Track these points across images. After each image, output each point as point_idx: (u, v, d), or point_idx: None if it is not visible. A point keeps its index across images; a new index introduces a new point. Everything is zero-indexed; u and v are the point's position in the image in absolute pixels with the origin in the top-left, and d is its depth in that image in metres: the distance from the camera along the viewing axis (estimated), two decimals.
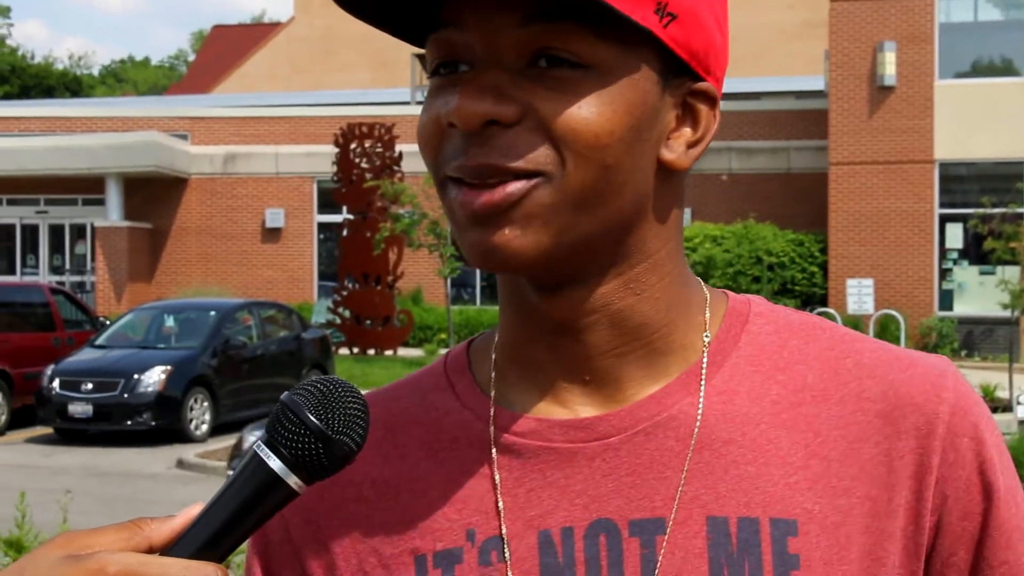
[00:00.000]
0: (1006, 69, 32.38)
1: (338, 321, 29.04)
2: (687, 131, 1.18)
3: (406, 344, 29.70)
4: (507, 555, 1.19)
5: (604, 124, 1.10)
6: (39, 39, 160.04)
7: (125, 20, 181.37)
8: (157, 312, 23.37)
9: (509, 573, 1.19)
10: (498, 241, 1.10)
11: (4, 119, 40.69)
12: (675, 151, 1.17)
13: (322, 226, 36.31)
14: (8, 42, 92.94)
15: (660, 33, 1.09)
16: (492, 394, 1.25)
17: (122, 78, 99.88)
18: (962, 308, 30.38)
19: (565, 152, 1.09)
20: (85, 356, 21.44)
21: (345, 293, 29.44)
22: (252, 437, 16.59)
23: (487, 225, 1.10)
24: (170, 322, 22.62)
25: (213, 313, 22.38)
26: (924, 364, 1.22)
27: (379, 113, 32.68)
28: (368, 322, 29.00)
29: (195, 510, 1.05)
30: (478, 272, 34.53)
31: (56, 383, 20.13)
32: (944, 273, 31.31)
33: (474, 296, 36.46)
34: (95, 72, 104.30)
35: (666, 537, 1.14)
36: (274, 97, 46.81)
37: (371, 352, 28.83)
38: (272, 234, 36.26)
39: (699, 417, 1.18)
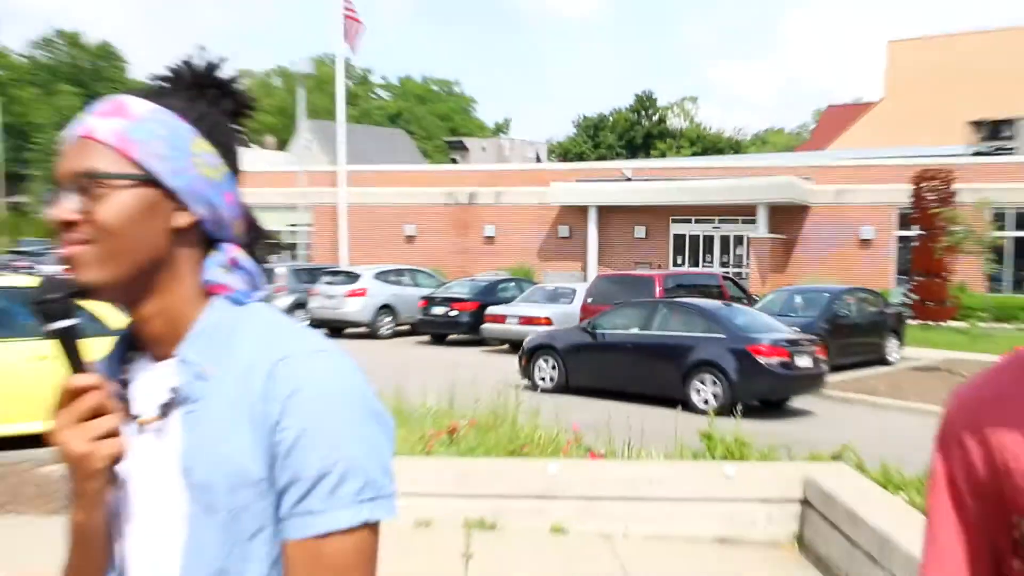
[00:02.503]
0: None
1: (909, 302, 28.95)
2: None
3: (954, 319, 29.09)
4: None
5: None
6: (711, 116, 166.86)
7: (768, 101, 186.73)
8: (790, 294, 23.77)
9: None
10: None
11: (691, 168, 41.95)
12: None
13: (899, 239, 35.02)
14: (696, 119, 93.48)
15: None
16: None
17: (765, 141, 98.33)
18: None
19: None
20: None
21: (914, 283, 29.60)
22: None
23: None
24: (798, 300, 22.95)
25: (827, 295, 22.57)
26: None
27: (940, 162, 32.18)
28: (929, 303, 28.96)
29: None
30: (1011, 268, 34.75)
31: None
32: None
33: (1006, 286, 34.26)
34: (747, 138, 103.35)
35: None
36: (869, 152, 45.30)
37: (930, 323, 28.48)
38: (864, 243, 35.95)
39: None
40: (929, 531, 1.32)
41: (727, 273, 31.04)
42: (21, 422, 10.37)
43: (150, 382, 1.48)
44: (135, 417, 1.45)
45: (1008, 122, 38.12)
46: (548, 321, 23.95)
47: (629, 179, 39.54)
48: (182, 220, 1.45)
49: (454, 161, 54.12)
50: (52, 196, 1.41)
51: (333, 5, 35.55)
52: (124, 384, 1.49)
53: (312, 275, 29.77)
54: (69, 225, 1.39)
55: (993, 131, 38.34)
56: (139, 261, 1.42)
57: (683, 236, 38.86)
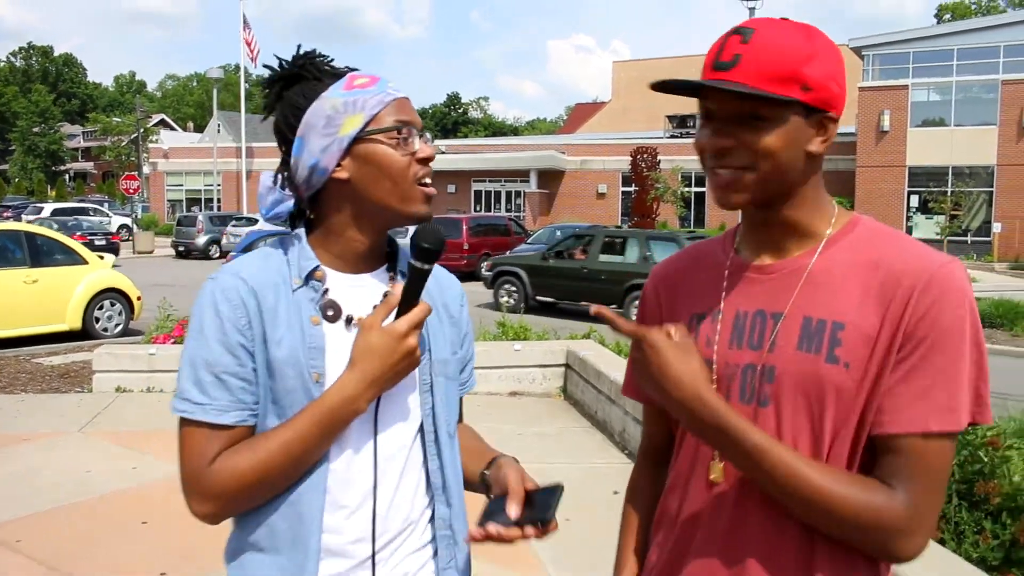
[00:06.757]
0: None
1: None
2: (818, 138, 1.10)
3: None
4: (720, 318, 1.19)
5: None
6: (498, 109, 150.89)
7: (535, 99, 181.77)
8: (552, 229, 22.85)
9: (718, 329, 1.18)
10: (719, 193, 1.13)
11: (485, 145, 39.67)
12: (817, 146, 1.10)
13: (622, 193, 34.43)
14: (488, 111, 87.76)
15: (803, 98, 1.06)
16: (735, 246, 1.23)
17: (534, 126, 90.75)
18: None
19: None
20: (519, 250, 20.34)
21: (633, 222, 27.78)
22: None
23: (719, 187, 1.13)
24: (558, 234, 21.02)
25: (559, 233, 21.41)
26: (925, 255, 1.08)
27: (648, 143, 30.59)
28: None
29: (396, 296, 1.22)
30: (693, 211, 33.75)
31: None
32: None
33: (690, 223, 33.67)
34: (521, 124, 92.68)
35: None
36: (602, 135, 43.83)
37: None
38: (600, 196, 35.40)
39: (809, 267, 1.12)
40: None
41: (511, 216, 29.18)
42: (19, 327, 9.77)
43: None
44: None
45: (691, 116, 37.23)
46: None
47: (443, 152, 37.80)
48: None
49: None
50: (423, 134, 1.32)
51: (235, 29, 33.31)
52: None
53: (223, 220, 29.15)
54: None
55: (682, 121, 38.09)
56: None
57: (480, 191, 37.74)
